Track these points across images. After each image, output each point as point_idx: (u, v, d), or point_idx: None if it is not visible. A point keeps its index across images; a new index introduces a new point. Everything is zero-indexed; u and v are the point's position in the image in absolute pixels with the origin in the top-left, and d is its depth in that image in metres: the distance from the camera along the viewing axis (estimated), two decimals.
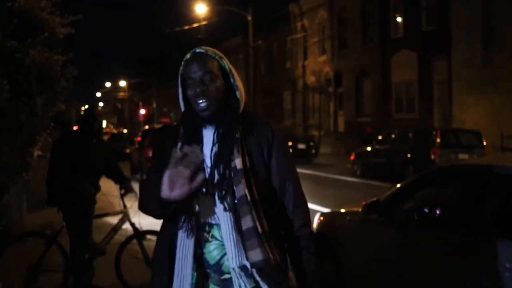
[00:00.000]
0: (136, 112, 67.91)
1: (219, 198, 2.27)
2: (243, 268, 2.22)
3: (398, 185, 5.29)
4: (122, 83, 71.09)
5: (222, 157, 2.32)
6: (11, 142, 5.95)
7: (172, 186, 2.18)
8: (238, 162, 2.29)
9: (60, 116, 13.53)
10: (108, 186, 7.06)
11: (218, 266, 2.30)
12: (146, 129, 26.13)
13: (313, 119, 35.62)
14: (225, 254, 2.26)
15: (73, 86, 7.98)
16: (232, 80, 2.45)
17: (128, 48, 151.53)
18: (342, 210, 6.11)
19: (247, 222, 2.22)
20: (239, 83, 2.48)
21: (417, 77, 25.89)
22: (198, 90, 2.32)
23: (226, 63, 2.46)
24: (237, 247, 2.22)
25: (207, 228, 2.31)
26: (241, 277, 2.23)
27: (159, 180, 2.23)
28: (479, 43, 21.99)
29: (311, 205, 11.79)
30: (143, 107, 64.34)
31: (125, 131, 49.41)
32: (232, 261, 2.22)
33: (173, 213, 2.29)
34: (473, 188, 4.34)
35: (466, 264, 4.04)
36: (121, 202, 6.12)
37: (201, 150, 2.34)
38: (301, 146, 26.29)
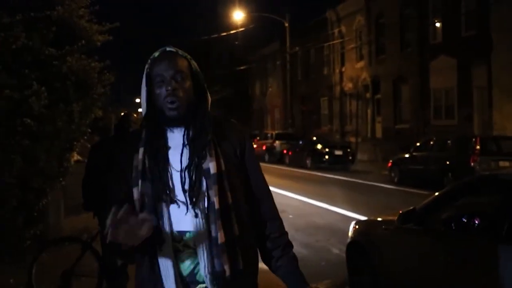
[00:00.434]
0: None
1: (190, 204, 2.15)
2: (215, 275, 2.13)
3: (436, 194, 5.18)
4: None
5: (194, 161, 2.18)
6: (49, 148, 6.03)
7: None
8: (212, 166, 2.17)
9: (99, 122, 13.70)
10: None
11: (192, 277, 2.18)
12: None
13: (350, 125, 35.36)
14: (198, 263, 2.15)
15: (111, 92, 8.08)
16: (201, 81, 2.33)
17: None
18: (378, 219, 6.02)
19: (213, 230, 2.13)
20: None
21: (456, 83, 25.45)
22: (169, 88, 2.19)
23: (194, 64, 2.33)
24: (209, 255, 2.12)
25: (177, 237, 2.17)
26: (215, 285, 2.14)
27: (118, 195, 2.20)
28: None
29: (347, 212, 11.70)
30: None
31: None
32: (205, 269, 2.13)
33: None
34: None
35: (506, 276, 3.93)
36: None
37: (167, 154, 2.22)
38: (338, 152, 26.16)
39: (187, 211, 2.16)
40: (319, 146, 26.70)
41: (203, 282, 2.16)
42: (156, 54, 2.29)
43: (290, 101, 39.69)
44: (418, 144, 19.53)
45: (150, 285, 2.20)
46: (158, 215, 2.15)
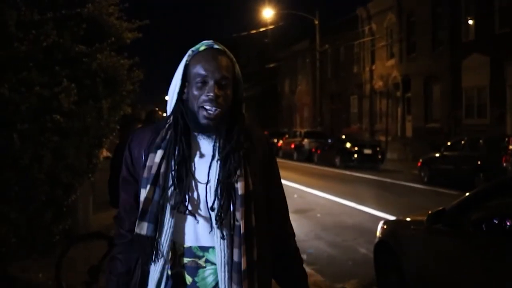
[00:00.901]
0: None
1: (216, 223, 1.98)
2: None
3: (467, 194, 5.09)
4: None
5: (224, 178, 2.00)
6: (78, 144, 6.08)
7: None
8: (240, 186, 1.99)
9: (127, 118, 13.78)
10: None
11: None
12: None
13: (380, 124, 35.09)
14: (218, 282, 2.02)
15: (140, 89, 8.12)
16: (240, 90, 2.09)
17: None
18: (407, 219, 5.95)
19: (236, 255, 1.98)
20: None
21: (489, 82, 25.06)
22: (211, 94, 1.96)
23: (238, 69, 2.10)
24: (229, 279, 1.98)
25: (200, 252, 2.02)
26: None
27: (131, 200, 2.12)
28: None
29: (375, 211, 11.60)
30: None
31: None
32: None
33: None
34: None
35: None
36: None
37: (192, 163, 2.03)
38: (368, 151, 26.01)
39: (211, 229, 2.01)
40: (348, 145, 26.56)
41: None
42: (201, 48, 2.04)
43: (319, 99, 39.54)
44: (449, 143, 19.30)
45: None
46: (160, 224, 1.99)
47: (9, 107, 5.41)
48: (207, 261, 2.03)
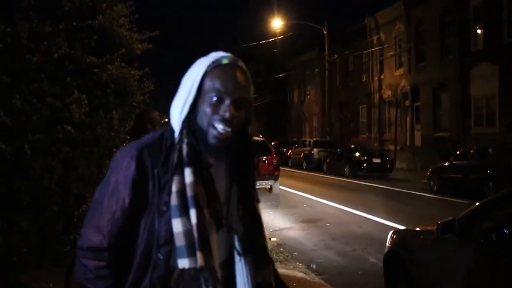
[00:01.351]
0: None
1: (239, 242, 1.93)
2: None
3: (477, 204, 5.08)
4: None
5: (246, 199, 1.95)
6: (89, 154, 6.11)
7: None
8: (258, 207, 2.00)
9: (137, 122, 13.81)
10: None
11: None
12: None
13: (389, 133, 35.04)
14: None
15: (151, 100, 8.17)
16: (251, 110, 1.95)
17: None
18: (416, 228, 5.94)
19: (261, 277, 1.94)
20: None
21: (497, 91, 25.00)
22: (227, 115, 1.80)
23: (252, 89, 1.96)
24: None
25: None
26: None
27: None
28: None
29: (384, 221, 11.55)
30: None
31: None
32: None
33: None
34: None
35: None
36: None
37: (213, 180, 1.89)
38: (377, 160, 25.99)
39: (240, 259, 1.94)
40: (357, 154, 26.54)
41: None
42: (224, 61, 1.86)
43: (328, 108, 39.55)
44: (458, 152, 19.24)
45: None
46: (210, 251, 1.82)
47: (21, 118, 5.47)
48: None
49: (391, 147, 31.20)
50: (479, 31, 26.83)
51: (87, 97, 5.88)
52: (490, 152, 17.16)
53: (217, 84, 1.82)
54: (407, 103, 33.29)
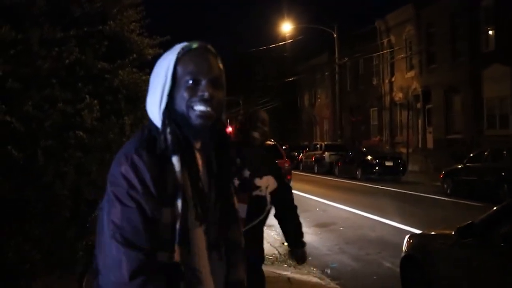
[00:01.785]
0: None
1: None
2: None
3: (494, 208, 4.99)
4: None
5: (224, 192, 1.94)
6: (101, 160, 6.08)
7: None
8: (235, 201, 2.01)
9: None
10: None
11: None
12: None
13: (401, 136, 34.89)
14: None
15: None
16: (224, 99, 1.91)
17: None
18: (434, 233, 5.86)
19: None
20: None
21: (510, 92, 24.82)
22: (206, 94, 1.77)
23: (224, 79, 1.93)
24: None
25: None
26: None
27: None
28: None
29: (398, 224, 11.43)
30: (230, 125, 65.21)
31: None
32: None
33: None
34: None
35: None
36: None
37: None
38: (389, 163, 25.87)
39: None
40: (369, 157, 26.42)
41: None
42: (194, 45, 1.86)
43: (339, 112, 39.42)
44: (472, 154, 19.08)
45: None
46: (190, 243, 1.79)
47: (32, 124, 5.44)
48: None
49: (403, 150, 31.05)
50: (490, 32, 26.67)
51: (98, 102, 5.84)
52: (504, 154, 17.01)
53: (191, 67, 1.80)
54: (418, 105, 33.15)
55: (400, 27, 34.90)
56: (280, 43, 43.04)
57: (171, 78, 1.81)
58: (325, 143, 35.66)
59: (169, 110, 1.80)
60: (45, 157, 5.39)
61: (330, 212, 15.13)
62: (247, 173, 3.32)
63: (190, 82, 1.79)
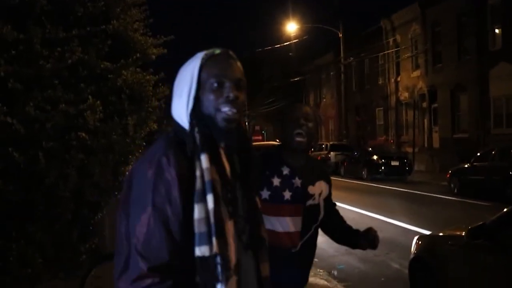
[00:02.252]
0: None
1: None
2: None
3: (505, 210, 4.89)
4: None
5: (249, 193, 2.00)
6: (104, 162, 6.00)
7: None
8: (258, 201, 2.05)
9: (154, 135, 13.74)
10: None
11: None
12: None
13: (407, 135, 34.74)
14: None
15: (166, 105, 8.05)
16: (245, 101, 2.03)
17: None
18: (443, 234, 5.75)
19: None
20: None
21: None
22: (230, 95, 1.87)
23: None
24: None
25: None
26: None
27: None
28: None
29: (406, 225, 11.33)
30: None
31: None
32: None
33: None
34: None
35: None
36: None
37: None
38: (395, 163, 25.75)
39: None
40: (375, 157, 26.31)
41: None
42: (217, 51, 1.96)
43: (345, 111, 39.30)
44: (478, 153, 18.95)
45: None
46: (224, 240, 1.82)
47: (34, 125, 5.36)
48: None
49: (409, 150, 30.91)
50: (497, 30, 26.49)
51: (101, 103, 5.77)
52: (511, 153, 16.86)
53: (215, 71, 1.90)
54: (424, 104, 32.98)
55: (405, 26, 34.74)
56: (285, 43, 42.95)
57: (197, 83, 1.91)
58: (331, 143, 35.53)
59: (196, 112, 1.90)
60: (47, 159, 5.31)
61: None
62: (298, 181, 3.02)
63: (215, 85, 1.89)
